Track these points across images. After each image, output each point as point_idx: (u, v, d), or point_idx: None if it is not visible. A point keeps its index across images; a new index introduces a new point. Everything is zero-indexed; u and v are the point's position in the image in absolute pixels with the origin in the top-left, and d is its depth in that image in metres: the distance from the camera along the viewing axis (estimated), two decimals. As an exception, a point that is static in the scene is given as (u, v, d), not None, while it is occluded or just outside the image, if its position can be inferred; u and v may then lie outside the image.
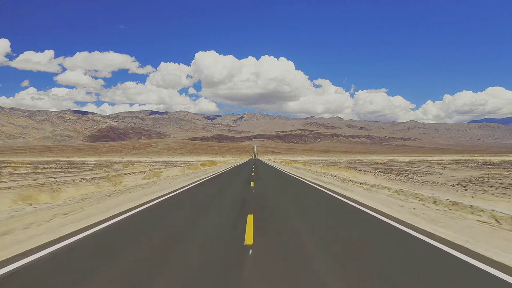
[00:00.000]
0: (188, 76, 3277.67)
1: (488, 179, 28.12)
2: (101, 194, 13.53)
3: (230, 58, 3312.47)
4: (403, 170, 43.84)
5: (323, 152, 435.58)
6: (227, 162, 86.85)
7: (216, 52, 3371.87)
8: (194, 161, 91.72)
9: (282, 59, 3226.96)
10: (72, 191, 15.73)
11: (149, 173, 29.10)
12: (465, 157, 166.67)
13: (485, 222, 7.71)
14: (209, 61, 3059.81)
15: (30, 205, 10.59)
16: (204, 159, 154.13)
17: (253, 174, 29.86)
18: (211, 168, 47.51)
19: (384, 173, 37.77)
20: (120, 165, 57.35)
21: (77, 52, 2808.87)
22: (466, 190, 19.86)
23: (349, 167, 51.53)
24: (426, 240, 6.24)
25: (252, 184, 18.65)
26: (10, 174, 37.36)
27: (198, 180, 21.82)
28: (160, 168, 46.45)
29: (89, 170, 43.60)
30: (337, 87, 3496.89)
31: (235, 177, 26.79)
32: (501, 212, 8.75)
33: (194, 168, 38.92)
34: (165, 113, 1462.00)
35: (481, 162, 79.14)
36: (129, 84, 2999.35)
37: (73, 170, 44.93)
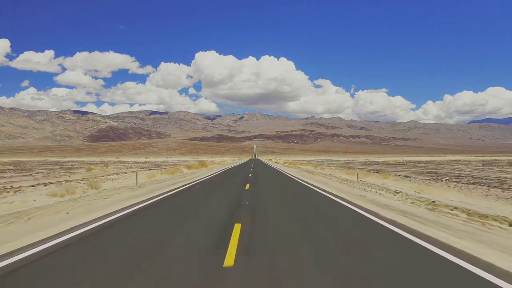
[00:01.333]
0: (188, 76, 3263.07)
1: None
2: None
3: (230, 58, 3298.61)
4: (463, 176, 31.42)
5: (324, 152, 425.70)
6: (222, 163, 75.96)
7: (216, 52, 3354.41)
8: (189, 162, 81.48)
9: (283, 59, 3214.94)
10: None
11: (84, 183, 18.97)
12: (469, 157, 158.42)
13: None
14: (209, 61, 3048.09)
15: None
16: (202, 159, 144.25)
17: (247, 187, 18.09)
18: (199, 171, 37.40)
19: (444, 180, 26.33)
20: (87, 168, 46.79)
21: (77, 52, 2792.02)
22: None
23: (373, 170, 41.29)
24: None
25: (236, 229, 7.28)
26: None
27: (142, 202, 11.37)
28: (135, 170, 36.34)
29: (32, 175, 33.37)
30: (338, 87, 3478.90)
31: (214, 193, 15.74)
32: None
33: (171, 173, 28.66)
34: (165, 113, 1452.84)
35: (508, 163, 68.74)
36: (129, 84, 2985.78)
37: (11, 175, 34.35)
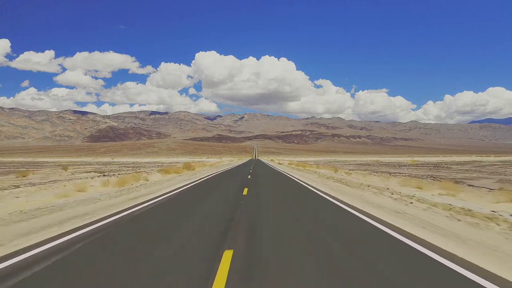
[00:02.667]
0: (188, 76, 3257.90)
1: None
2: None
3: (230, 58, 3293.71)
4: None
5: (325, 153, 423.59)
6: (216, 164, 69.10)
7: (217, 52, 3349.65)
8: (180, 162, 77.94)
9: (283, 59, 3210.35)
10: None
11: None
12: (474, 157, 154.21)
13: None
14: (210, 61, 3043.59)
15: None
16: (201, 159, 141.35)
17: (227, 259, 5.29)
18: (177, 177, 28.38)
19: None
20: (22, 173, 34.43)
21: (77, 52, 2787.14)
22: None
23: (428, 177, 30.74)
24: None
25: None
26: None
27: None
28: (90, 176, 33.04)
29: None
30: (338, 88, 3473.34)
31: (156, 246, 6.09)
32: None
33: (121, 183, 18.89)
34: (166, 113, 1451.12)
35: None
36: (129, 84, 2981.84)
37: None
